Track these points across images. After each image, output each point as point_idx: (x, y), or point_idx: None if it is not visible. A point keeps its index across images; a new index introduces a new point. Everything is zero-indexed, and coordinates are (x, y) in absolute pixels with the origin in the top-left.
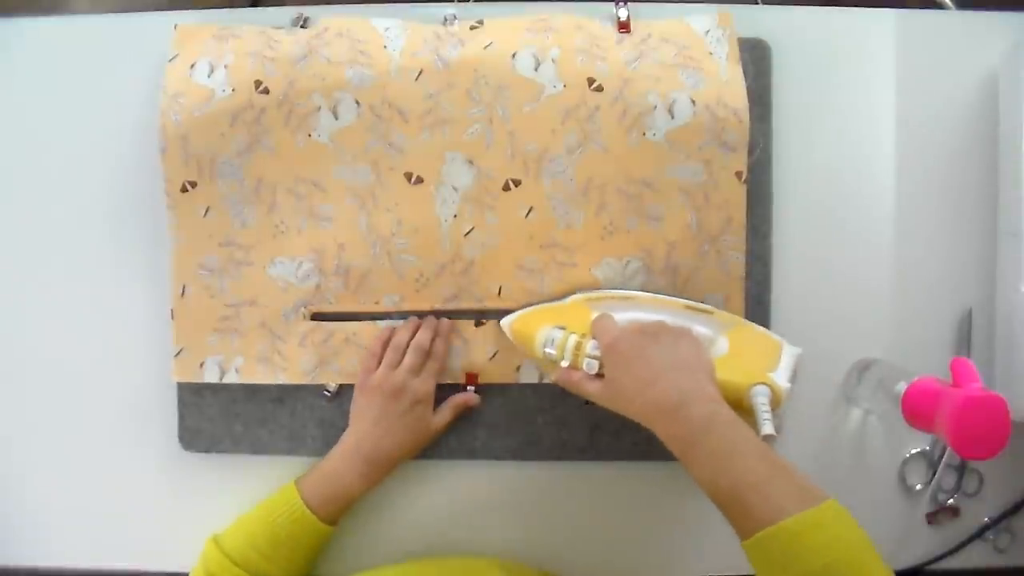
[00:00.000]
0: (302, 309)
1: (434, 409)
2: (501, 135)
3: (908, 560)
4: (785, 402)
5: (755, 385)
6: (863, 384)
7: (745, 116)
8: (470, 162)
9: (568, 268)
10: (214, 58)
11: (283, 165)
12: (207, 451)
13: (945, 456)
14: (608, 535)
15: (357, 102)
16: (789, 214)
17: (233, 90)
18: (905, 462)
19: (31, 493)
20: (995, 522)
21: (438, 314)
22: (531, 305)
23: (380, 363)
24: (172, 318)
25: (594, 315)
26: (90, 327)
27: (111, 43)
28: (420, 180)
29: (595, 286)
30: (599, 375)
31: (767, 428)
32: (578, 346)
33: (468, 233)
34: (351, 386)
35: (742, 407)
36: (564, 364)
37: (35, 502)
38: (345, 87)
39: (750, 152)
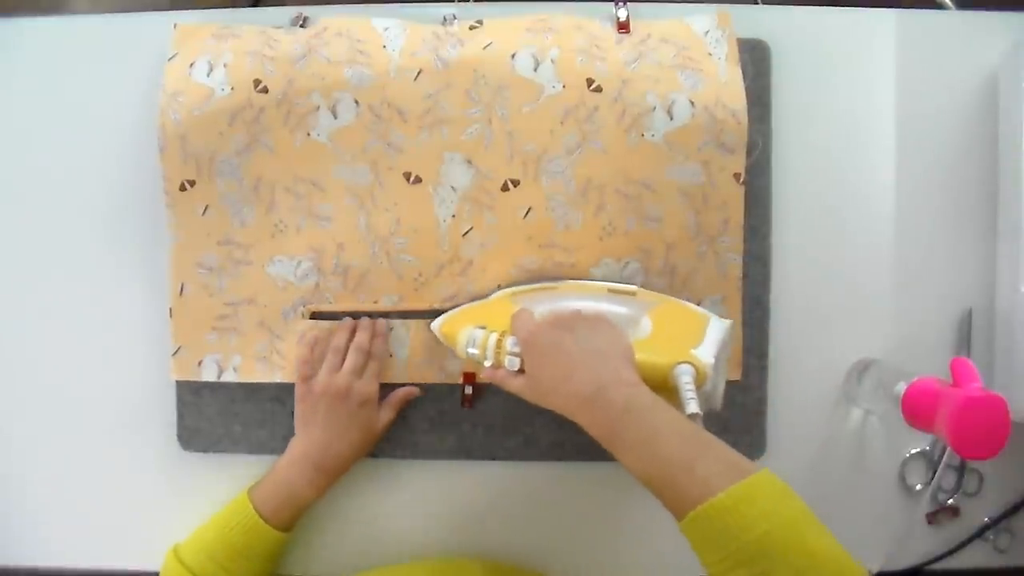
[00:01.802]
0: (301, 308)
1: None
2: (500, 135)
3: (908, 560)
4: (711, 377)
5: (678, 364)
6: (863, 384)
7: (743, 117)
8: (469, 162)
9: (567, 269)
10: (213, 57)
11: (282, 164)
12: (206, 451)
13: (945, 456)
14: (606, 535)
15: (356, 102)
16: (788, 214)
17: (232, 89)
18: (905, 462)
19: (30, 493)
20: (995, 522)
21: (438, 314)
22: (459, 306)
23: (311, 367)
24: (170, 317)
25: (515, 311)
26: (89, 326)
27: (111, 43)
28: (419, 180)
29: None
30: (522, 370)
31: (692, 407)
32: (499, 344)
33: (467, 233)
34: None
35: (667, 387)
36: (487, 364)
37: (34, 502)
38: (344, 87)
39: (749, 152)
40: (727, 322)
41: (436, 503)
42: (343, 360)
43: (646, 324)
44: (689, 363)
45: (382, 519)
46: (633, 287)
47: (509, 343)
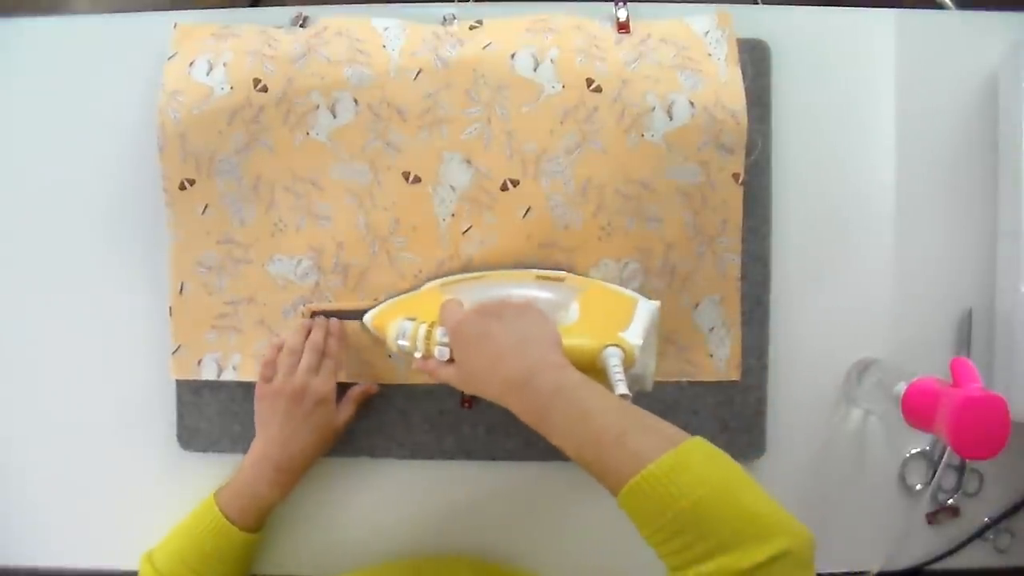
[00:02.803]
0: (301, 307)
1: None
2: (499, 135)
3: (908, 560)
4: (639, 358)
5: (606, 347)
6: (863, 384)
7: (743, 118)
8: (468, 162)
9: (566, 269)
10: (213, 56)
11: (281, 163)
12: (206, 451)
13: (945, 456)
14: (606, 535)
15: (355, 101)
16: (788, 214)
17: (232, 88)
18: (905, 462)
19: (30, 493)
20: (995, 522)
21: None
22: (389, 298)
23: (272, 369)
24: (170, 315)
25: (443, 301)
26: (88, 325)
27: (111, 43)
28: (418, 179)
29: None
30: (452, 360)
31: (621, 388)
32: (428, 334)
33: (466, 232)
34: (348, 384)
35: (596, 370)
36: (417, 355)
37: (34, 502)
38: (344, 86)
39: (749, 152)
40: (654, 303)
41: (435, 503)
42: (299, 361)
43: (574, 309)
44: (617, 345)
45: (381, 519)
46: (561, 272)
47: (438, 333)
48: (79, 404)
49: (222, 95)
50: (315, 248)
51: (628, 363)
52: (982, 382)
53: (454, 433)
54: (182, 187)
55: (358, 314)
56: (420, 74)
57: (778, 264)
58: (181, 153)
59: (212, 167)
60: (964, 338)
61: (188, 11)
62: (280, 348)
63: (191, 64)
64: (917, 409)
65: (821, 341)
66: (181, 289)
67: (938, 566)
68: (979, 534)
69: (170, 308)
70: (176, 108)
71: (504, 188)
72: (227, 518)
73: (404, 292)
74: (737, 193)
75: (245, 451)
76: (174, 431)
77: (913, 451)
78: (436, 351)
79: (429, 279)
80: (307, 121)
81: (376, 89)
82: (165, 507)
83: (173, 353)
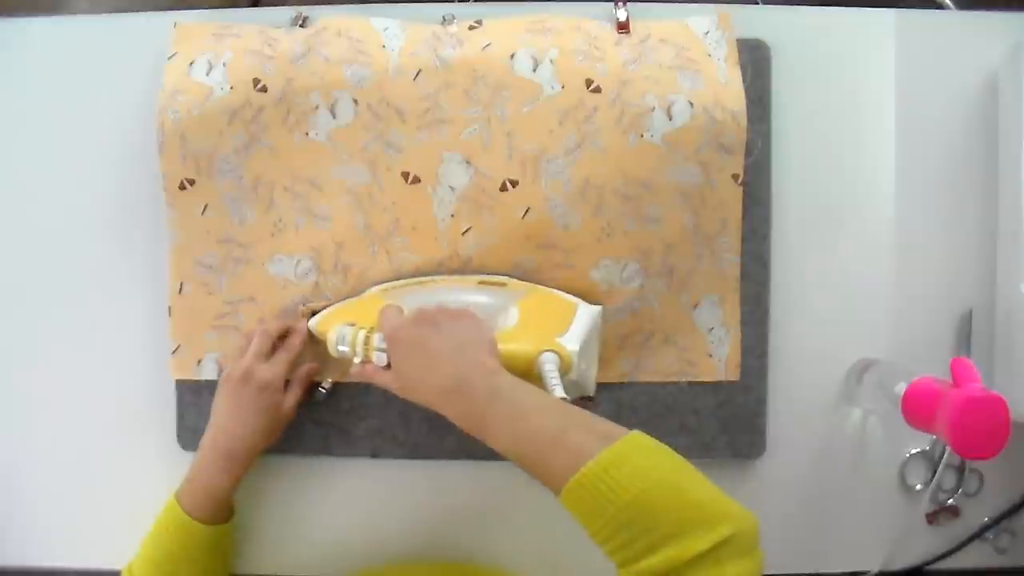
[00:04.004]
0: (301, 307)
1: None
2: (499, 135)
3: (908, 560)
4: (576, 364)
5: (542, 352)
6: (863, 384)
7: (743, 119)
8: (467, 162)
9: (566, 269)
10: (213, 56)
11: (281, 163)
12: None
13: (945, 456)
14: None
15: (355, 101)
16: (788, 214)
17: (231, 88)
18: (905, 462)
19: (30, 493)
20: (995, 522)
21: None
22: (333, 303)
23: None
24: (170, 315)
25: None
26: (88, 325)
27: (111, 43)
28: (417, 180)
29: (594, 289)
30: (390, 366)
31: (557, 393)
32: (367, 340)
33: (465, 232)
34: (346, 384)
35: (533, 375)
36: (357, 360)
37: (35, 502)
38: (343, 86)
39: (749, 153)
40: (595, 308)
41: (435, 503)
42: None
43: (513, 314)
44: (553, 351)
45: (381, 518)
46: (503, 278)
47: (376, 339)
48: (79, 404)
49: (222, 95)
50: (315, 248)
51: (565, 368)
52: (982, 382)
53: (454, 433)
54: (182, 187)
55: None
56: (420, 74)
57: (778, 264)
58: (181, 153)
59: (212, 167)
60: (964, 338)
61: (188, 11)
62: (247, 337)
63: (191, 64)
64: (917, 409)
65: (821, 341)
66: (181, 289)
67: (938, 566)
68: (979, 534)
69: (170, 308)
70: (176, 108)
71: (503, 188)
72: (187, 513)
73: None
74: (737, 193)
75: None
76: (174, 431)
77: (913, 451)
78: (374, 357)
79: (429, 278)
80: (307, 121)
81: (375, 89)
82: None
83: (173, 353)
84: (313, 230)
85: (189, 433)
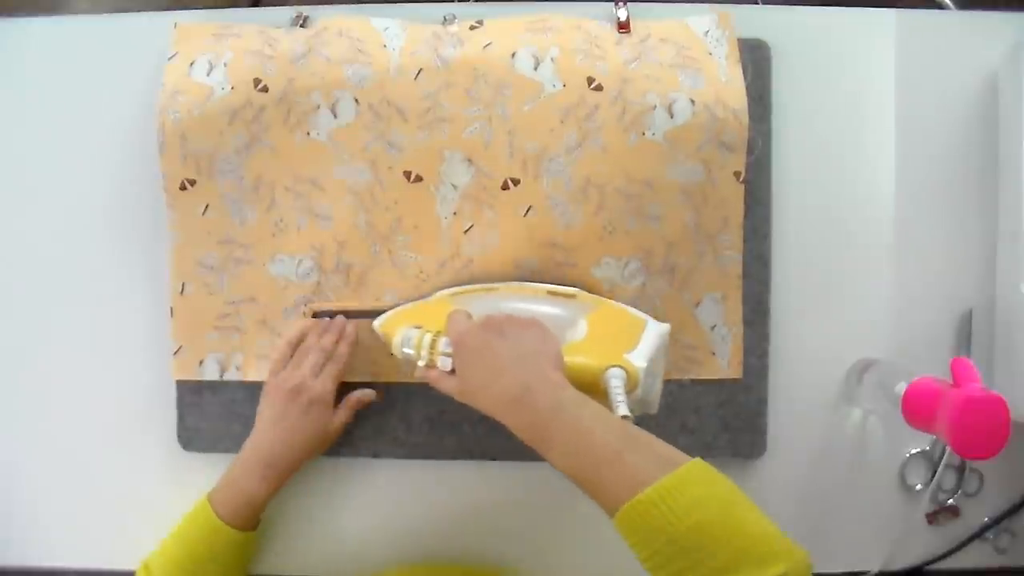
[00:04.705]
0: (303, 307)
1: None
2: (500, 134)
3: (908, 560)
4: (643, 381)
5: (609, 368)
6: (863, 384)
7: (744, 117)
8: (469, 161)
9: (567, 268)
10: (213, 56)
11: (282, 163)
12: (207, 451)
13: (945, 456)
14: (607, 535)
15: (356, 101)
16: (789, 214)
17: (232, 88)
18: (905, 462)
19: (31, 493)
20: (995, 522)
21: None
22: (399, 304)
23: (283, 364)
24: (171, 316)
25: (450, 311)
26: (89, 326)
27: (111, 43)
28: (419, 179)
29: (596, 287)
30: (455, 371)
31: (622, 410)
32: (432, 343)
33: (467, 230)
34: (349, 384)
35: (598, 390)
36: (421, 363)
37: (35, 502)
38: (344, 86)
39: (750, 151)
40: (664, 326)
41: (436, 503)
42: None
43: (582, 327)
44: (620, 367)
45: (382, 518)
46: (573, 289)
47: (442, 343)
48: (79, 404)
49: (222, 95)
50: (316, 248)
51: (631, 385)
52: (982, 382)
53: (455, 433)
54: (183, 187)
55: (360, 314)
56: (420, 74)
57: (778, 264)
58: (181, 153)
59: (213, 167)
60: (964, 338)
61: (188, 11)
62: (293, 344)
63: (191, 64)
64: (917, 409)
65: (821, 341)
66: (182, 289)
67: (938, 566)
68: (979, 534)
69: (171, 308)
70: (176, 108)
71: (505, 187)
72: (220, 518)
73: (408, 294)
74: (738, 191)
75: None
76: (175, 432)
77: (913, 451)
78: (439, 361)
79: (430, 278)
80: (308, 121)
81: (376, 89)
82: (165, 508)
83: (175, 354)
84: (314, 230)
85: (189, 433)
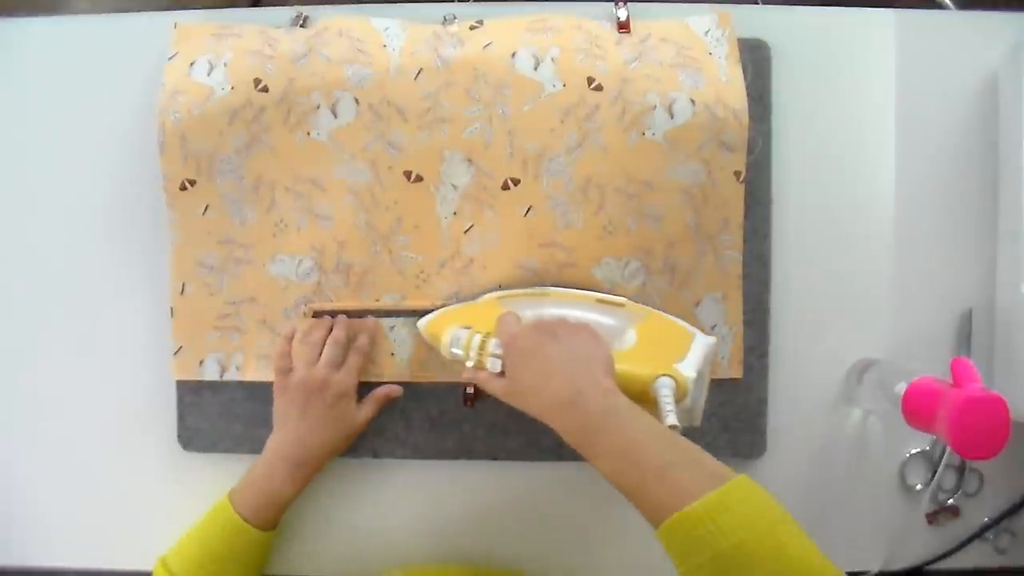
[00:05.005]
0: (303, 307)
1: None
2: (500, 134)
3: (908, 560)
4: (691, 392)
5: (659, 377)
6: (863, 384)
7: (744, 116)
8: (469, 161)
9: (567, 268)
10: (213, 56)
11: (282, 163)
12: (207, 451)
13: (945, 456)
14: (608, 536)
15: (356, 101)
16: (789, 214)
17: (232, 88)
18: (905, 462)
19: (31, 493)
20: (995, 522)
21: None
22: (447, 305)
23: (288, 360)
24: (172, 316)
25: (501, 313)
26: (90, 326)
27: (111, 43)
28: (419, 179)
29: (597, 287)
30: (503, 373)
31: (670, 419)
32: (482, 345)
33: (468, 230)
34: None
35: (647, 399)
36: (469, 364)
37: (35, 502)
38: (344, 86)
39: (750, 151)
40: (711, 339)
41: (436, 503)
42: (319, 355)
43: (631, 336)
44: (670, 376)
45: (382, 519)
46: (621, 299)
47: (492, 345)
48: (80, 404)
49: (223, 95)
50: (316, 248)
51: (680, 395)
52: (982, 382)
53: (455, 432)
54: (183, 188)
55: (360, 314)
56: (421, 73)
57: (778, 264)
58: (182, 153)
59: (213, 167)
60: (964, 338)
61: (188, 11)
62: (291, 338)
63: (191, 64)
64: (917, 409)
65: (821, 341)
66: (182, 290)
67: (938, 566)
68: (979, 534)
69: (171, 309)
70: (177, 108)
71: (505, 187)
72: (242, 517)
73: (408, 294)
74: (739, 191)
75: (246, 451)
76: (175, 432)
77: (913, 451)
78: (488, 362)
79: (430, 278)
80: (308, 121)
81: (377, 89)
82: (166, 507)
83: (175, 354)
84: (315, 230)
85: (189, 433)
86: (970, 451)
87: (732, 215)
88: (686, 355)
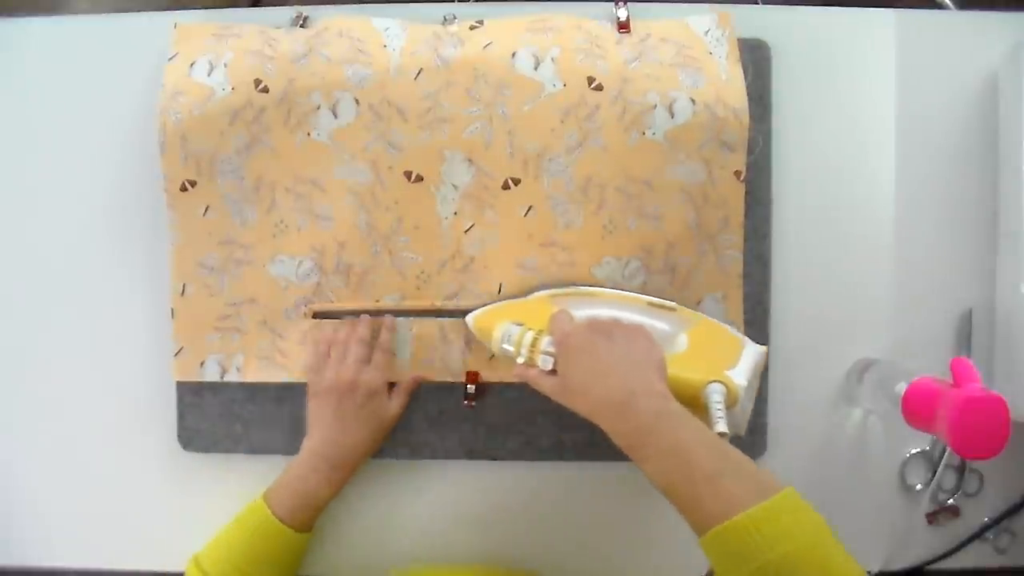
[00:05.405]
0: (303, 307)
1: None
2: (501, 134)
3: (908, 560)
4: (742, 400)
5: (710, 383)
6: (863, 384)
7: (745, 116)
8: (470, 161)
9: (568, 268)
10: (214, 57)
11: (282, 164)
12: (207, 451)
13: (945, 456)
14: (608, 536)
15: (356, 101)
16: (789, 214)
17: (233, 89)
18: (905, 462)
19: (31, 493)
20: (995, 522)
21: (440, 313)
22: (496, 301)
23: (320, 362)
24: (172, 317)
25: (554, 311)
26: (90, 327)
27: (111, 43)
28: (420, 179)
29: (598, 286)
30: (554, 371)
31: (720, 426)
32: (534, 342)
33: (468, 230)
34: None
35: (697, 404)
36: (520, 360)
37: (35, 502)
38: (345, 86)
39: (750, 151)
40: (761, 348)
41: (436, 503)
42: (347, 356)
43: (682, 340)
44: (722, 382)
45: (382, 519)
46: (672, 303)
47: (544, 342)
48: (80, 404)
49: (223, 96)
50: (316, 249)
51: (731, 402)
52: (982, 382)
53: (456, 433)
54: (183, 188)
55: (360, 314)
56: (421, 74)
57: (778, 264)
58: (182, 154)
59: (213, 168)
60: (964, 338)
61: (188, 11)
62: (321, 342)
63: (192, 65)
64: (917, 409)
65: (821, 341)
66: (183, 291)
67: (938, 566)
68: (979, 534)
69: (172, 310)
70: (177, 109)
71: (505, 187)
72: (278, 518)
73: (409, 294)
74: (739, 190)
75: (246, 451)
76: (175, 432)
77: (913, 451)
78: (540, 360)
79: (431, 278)
80: (308, 121)
81: (377, 89)
82: (166, 507)
83: (176, 355)
84: (315, 230)
85: (189, 433)
86: (970, 451)
87: (733, 214)
88: (737, 362)
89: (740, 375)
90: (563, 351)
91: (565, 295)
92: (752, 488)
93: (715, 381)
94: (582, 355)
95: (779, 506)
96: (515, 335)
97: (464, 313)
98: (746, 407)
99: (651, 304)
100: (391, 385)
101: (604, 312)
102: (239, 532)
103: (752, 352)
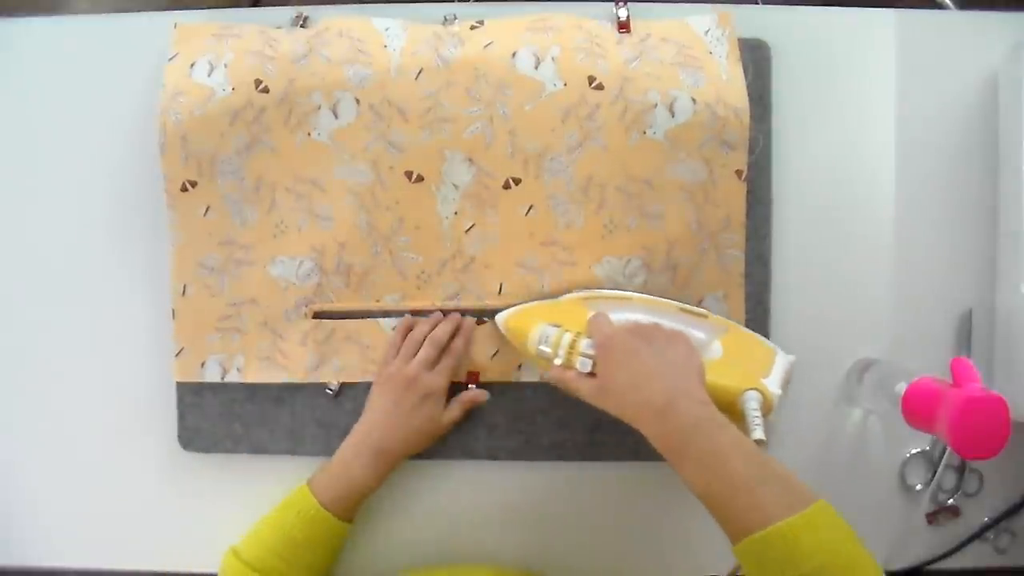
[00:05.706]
0: (303, 308)
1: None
2: (501, 134)
3: (908, 560)
4: (776, 408)
5: (747, 390)
6: (863, 384)
7: (745, 115)
8: (470, 160)
9: (568, 267)
10: (214, 57)
11: (283, 164)
12: (207, 451)
13: (945, 456)
14: (608, 535)
15: (357, 101)
16: (789, 214)
17: (233, 89)
18: (905, 462)
19: (31, 493)
20: (995, 522)
21: (439, 312)
22: (527, 302)
23: (395, 353)
24: (173, 318)
25: (590, 314)
26: (90, 327)
27: (111, 43)
28: (420, 179)
29: (596, 285)
30: (592, 374)
31: (757, 433)
32: (572, 344)
33: (469, 230)
34: (353, 384)
35: (733, 412)
36: (558, 362)
37: (35, 502)
38: (345, 86)
39: (751, 151)
40: (791, 357)
41: (435, 503)
42: (417, 352)
43: (717, 347)
44: (758, 390)
45: (381, 519)
46: (703, 310)
47: (583, 344)
48: (80, 405)
49: (223, 96)
50: (317, 249)
51: (766, 410)
52: (982, 382)
53: (455, 432)
54: (183, 189)
55: (360, 315)
56: (421, 73)
57: (778, 264)
58: (182, 155)
59: (214, 168)
60: (964, 338)
61: (188, 11)
62: (404, 334)
63: (192, 65)
64: (917, 409)
65: (821, 341)
66: (184, 291)
67: (938, 566)
68: (979, 534)
69: (173, 310)
70: (177, 109)
71: (506, 187)
72: (322, 505)
73: (409, 295)
74: (740, 189)
75: (246, 451)
76: (175, 432)
77: (913, 451)
78: (578, 362)
79: (431, 278)
80: (308, 122)
81: (377, 89)
82: (166, 507)
83: (176, 356)
84: (315, 231)
85: (189, 433)
86: (970, 451)
87: (734, 214)
88: (771, 371)
89: (775, 384)
90: (604, 354)
91: (598, 298)
92: (789, 498)
93: (752, 389)
94: (623, 359)
95: (814, 518)
96: (552, 336)
97: (464, 313)
98: (778, 412)
99: (683, 310)
100: (452, 391)
101: (638, 317)
102: (281, 518)
103: (784, 361)
